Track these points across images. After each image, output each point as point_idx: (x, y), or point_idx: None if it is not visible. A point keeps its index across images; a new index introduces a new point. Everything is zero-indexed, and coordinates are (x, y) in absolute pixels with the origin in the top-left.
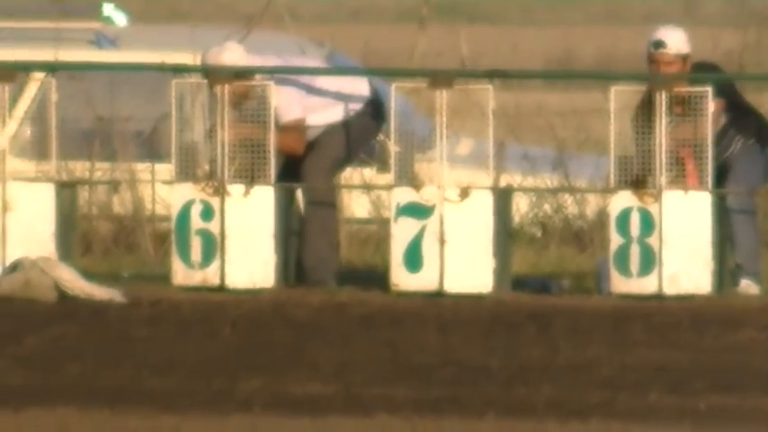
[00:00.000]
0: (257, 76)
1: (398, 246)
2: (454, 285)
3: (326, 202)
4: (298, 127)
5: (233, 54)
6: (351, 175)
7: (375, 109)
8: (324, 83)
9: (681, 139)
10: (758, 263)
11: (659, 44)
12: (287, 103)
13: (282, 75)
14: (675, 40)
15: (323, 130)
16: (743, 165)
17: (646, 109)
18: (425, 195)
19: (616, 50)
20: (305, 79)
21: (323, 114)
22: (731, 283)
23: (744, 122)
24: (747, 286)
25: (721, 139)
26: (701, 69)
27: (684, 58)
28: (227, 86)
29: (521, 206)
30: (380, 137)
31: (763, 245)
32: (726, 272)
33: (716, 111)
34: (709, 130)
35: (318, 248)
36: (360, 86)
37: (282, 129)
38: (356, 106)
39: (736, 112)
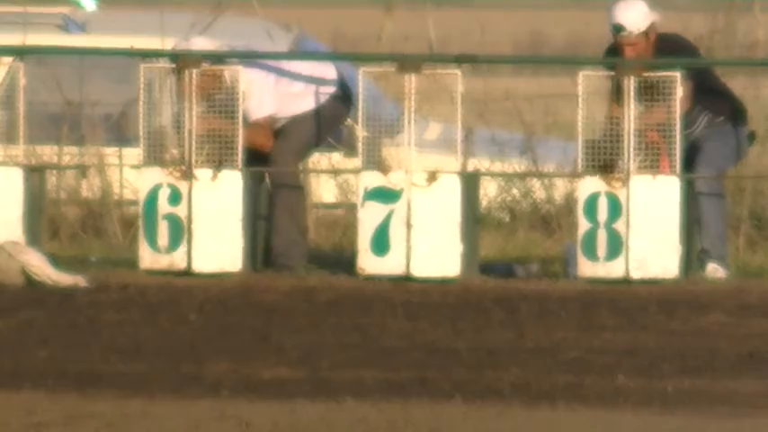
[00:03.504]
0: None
1: (366, 230)
2: (421, 270)
3: (294, 187)
4: (266, 123)
5: (202, 43)
6: (318, 159)
7: (342, 94)
8: (292, 69)
9: (652, 125)
10: (725, 247)
11: (619, 29)
12: (258, 101)
13: (250, 61)
14: (633, 20)
15: (293, 118)
16: (712, 145)
17: (615, 94)
18: (393, 180)
19: (585, 35)
20: (273, 66)
21: (293, 105)
22: (698, 268)
23: (712, 101)
24: (714, 270)
25: (688, 117)
26: (665, 42)
27: (647, 33)
28: (195, 77)
29: (489, 191)
30: (348, 121)
31: (731, 228)
32: (694, 256)
33: (683, 95)
34: (677, 114)
35: (287, 233)
36: (328, 72)
37: (251, 124)
38: (325, 93)
39: (706, 89)
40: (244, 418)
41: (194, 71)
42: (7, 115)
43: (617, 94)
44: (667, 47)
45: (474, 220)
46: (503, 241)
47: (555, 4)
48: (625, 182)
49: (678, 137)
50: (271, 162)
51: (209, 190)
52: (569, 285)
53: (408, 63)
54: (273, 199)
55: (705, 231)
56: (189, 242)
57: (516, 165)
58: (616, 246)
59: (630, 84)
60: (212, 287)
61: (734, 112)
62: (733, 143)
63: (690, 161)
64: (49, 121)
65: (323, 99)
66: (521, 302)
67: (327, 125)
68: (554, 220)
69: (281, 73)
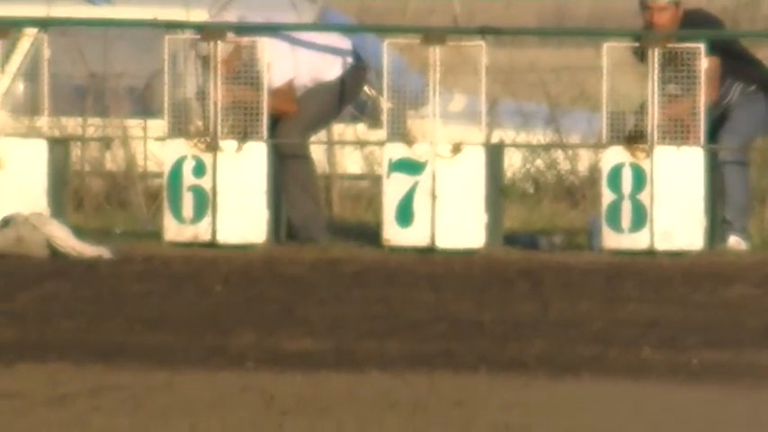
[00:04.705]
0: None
1: (390, 201)
2: (446, 241)
3: (301, 158)
4: (287, 87)
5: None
6: (343, 131)
7: (358, 66)
8: (312, 40)
9: (677, 113)
10: (746, 218)
11: None
12: (277, 68)
13: (271, 31)
14: None
15: (308, 90)
16: (740, 115)
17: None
18: (418, 151)
19: (609, 6)
20: (294, 38)
21: (311, 76)
22: (721, 239)
23: (742, 70)
24: (736, 243)
25: (720, 88)
26: (691, 17)
27: (677, 4)
28: (220, 52)
29: (514, 162)
30: (373, 93)
31: (757, 201)
32: (718, 228)
33: (712, 69)
34: (701, 86)
35: (303, 206)
36: (343, 44)
37: (274, 91)
38: (342, 65)
39: (734, 60)
40: (268, 389)
41: (219, 43)
42: (31, 87)
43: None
44: (692, 21)
45: (498, 191)
46: (527, 212)
47: None
48: (649, 153)
49: (702, 108)
50: (276, 135)
51: (234, 161)
52: (594, 257)
53: (433, 35)
54: (283, 173)
55: (728, 203)
56: (213, 214)
57: (541, 136)
58: (640, 217)
59: (655, 55)
60: (236, 259)
61: (765, 81)
62: (763, 112)
63: (716, 130)
64: (74, 92)
65: (340, 71)
66: (545, 274)
67: (343, 98)
68: (578, 191)
69: (301, 44)
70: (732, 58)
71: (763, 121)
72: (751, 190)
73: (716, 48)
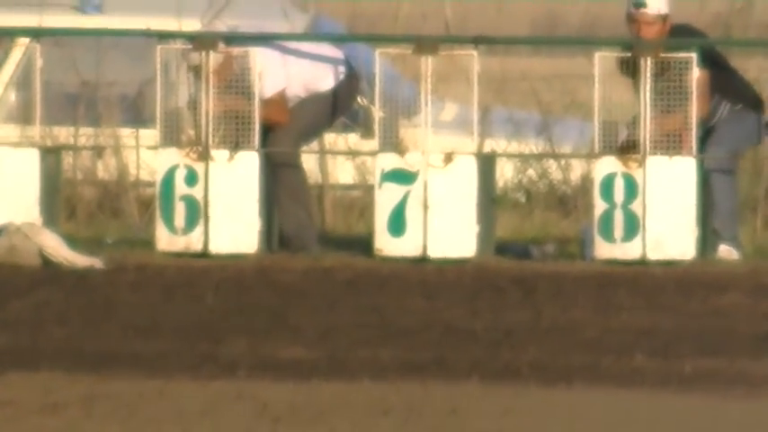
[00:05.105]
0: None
1: (382, 211)
2: (438, 250)
3: (293, 167)
4: (279, 97)
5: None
6: (335, 140)
7: (351, 75)
8: (303, 49)
9: (669, 127)
10: (736, 227)
11: (640, 4)
12: (269, 78)
13: (262, 41)
14: (656, 0)
15: (302, 99)
16: (726, 128)
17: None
18: (410, 161)
19: (602, 15)
20: (285, 47)
21: (303, 86)
22: (711, 248)
23: (730, 87)
24: (727, 252)
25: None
26: (678, 32)
27: (664, 19)
28: (212, 62)
29: (505, 171)
30: (365, 102)
31: (749, 209)
32: (709, 237)
33: (702, 83)
34: (694, 96)
35: (295, 216)
36: (336, 53)
37: (266, 101)
38: (335, 75)
39: (722, 75)
40: (260, 398)
41: (210, 52)
42: (23, 96)
43: (633, 79)
44: (680, 36)
45: (490, 200)
46: (519, 222)
47: None
48: (641, 163)
49: (694, 117)
50: (269, 144)
51: (226, 171)
52: (586, 266)
53: (425, 44)
54: (275, 182)
55: (716, 212)
56: (205, 223)
57: (533, 145)
58: (632, 227)
59: (647, 65)
60: (229, 268)
61: (753, 100)
62: (750, 127)
63: (703, 144)
64: (66, 101)
65: (333, 82)
66: (537, 283)
67: (336, 108)
68: (570, 200)
69: (293, 53)
70: (720, 72)
71: (750, 136)
72: (742, 199)
73: (705, 61)
